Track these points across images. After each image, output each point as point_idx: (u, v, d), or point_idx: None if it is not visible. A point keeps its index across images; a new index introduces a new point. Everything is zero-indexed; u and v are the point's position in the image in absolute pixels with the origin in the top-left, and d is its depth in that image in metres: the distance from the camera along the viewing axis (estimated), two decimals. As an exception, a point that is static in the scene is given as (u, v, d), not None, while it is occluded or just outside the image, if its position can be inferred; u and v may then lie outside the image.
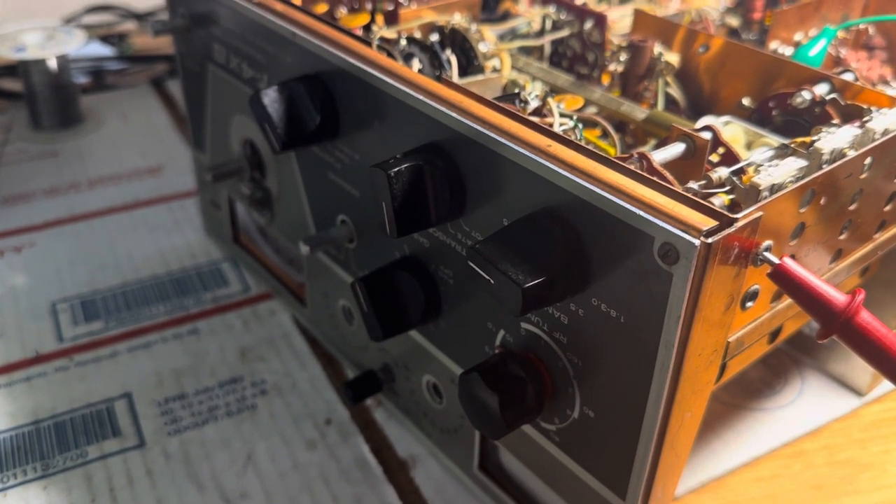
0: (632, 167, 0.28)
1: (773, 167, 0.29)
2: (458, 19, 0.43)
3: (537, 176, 0.28)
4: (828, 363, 0.47)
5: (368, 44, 0.37)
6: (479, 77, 0.41)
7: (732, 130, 0.35)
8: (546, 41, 0.45)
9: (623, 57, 0.40)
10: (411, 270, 0.36)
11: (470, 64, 0.42)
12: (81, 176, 0.65)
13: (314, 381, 0.46)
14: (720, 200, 0.30)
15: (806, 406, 0.45)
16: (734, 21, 0.53)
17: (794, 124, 0.36)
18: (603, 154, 0.28)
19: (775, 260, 0.26)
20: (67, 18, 0.94)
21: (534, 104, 0.34)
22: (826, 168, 0.28)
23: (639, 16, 0.43)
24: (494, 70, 0.42)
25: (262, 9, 0.41)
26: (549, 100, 0.34)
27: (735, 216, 0.25)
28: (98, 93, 0.79)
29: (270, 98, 0.37)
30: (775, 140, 0.35)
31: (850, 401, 0.46)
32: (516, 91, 0.35)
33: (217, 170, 0.46)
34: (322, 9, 0.45)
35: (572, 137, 0.32)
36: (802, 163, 0.29)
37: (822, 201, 0.29)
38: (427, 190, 0.31)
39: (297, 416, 0.43)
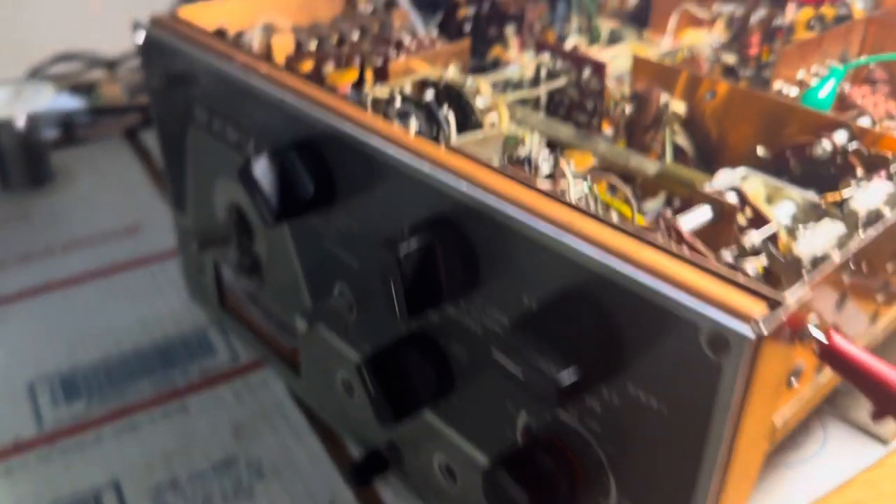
0: (659, 238, 0.26)
1: (809, 233, 0.27)
2: (451, 73, 0.41)
3: (561, 255, 0.26)
4: (849, 411, 0.46)
5: (363, 107, 0.35)
6: (479, 134, 0.39)
7: (752, 184, 0.33)
8: (542, 91, 0.43)
9: (627, 107, 0.39)
10: (421, 348, 0.33)
11: (467, 119, 0.40)
12: (55, 239, 0.62)
13: (314, 458, 0.43)
14: (753, 268, 0.28)
15: (830, 458, 0.43)
16: (730, 58, 0.52)
17: (813, 175, 0.35)
18: (629, 226, 0.26)
19: (824, 339, 0.24)
20: (34, 69, 0.91)
21: (545, 168, 0.32)
22: (869, 235, 0.26)
23: (638, 62, 0.42)
24: (492, 125, 0.40)
25: (247, 71, 0.38)
26: (562, 162, 0.32)
27: (782, 297, 0.23)
28: (68, 148, 0.76)
29: (261, 169, 0.34)
30: (797, 194, 0.33)
31: (876, 450, 0.44)
32: (525, 156, 0.33)
33: (202, 238, 0.44)
34: (308, 66, 0.43)
35: (591, 205, 0.30)
36: (840, 227, 0.27)
37: (862, 267, 0.27)
38: (439, 268, 0.29)
39: (297, 500, 0.41)
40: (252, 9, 0.50)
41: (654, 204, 0.36)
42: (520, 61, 0.47)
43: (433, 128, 0.39)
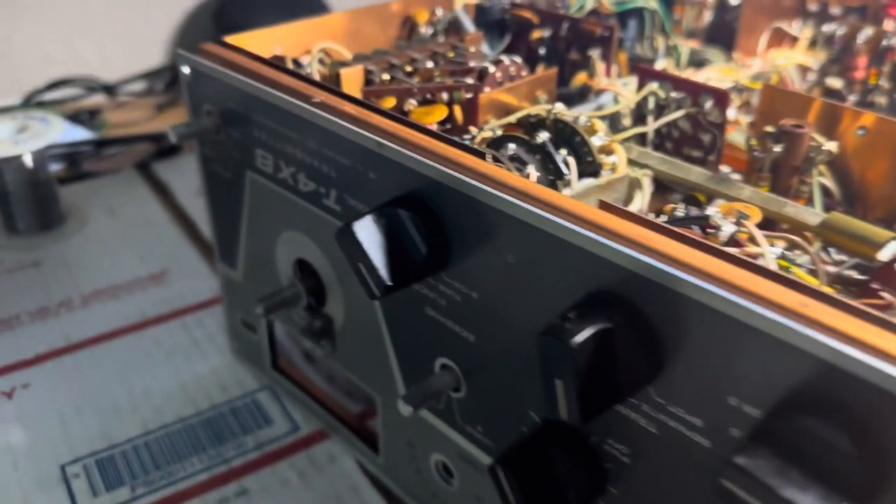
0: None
1: None
2: (560, 108, 0.35)
3: (794, 348, 0.21)
4: None
5: (481, 155, 0.29)
6: (602, 179, 0.33)
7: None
8: (658, 125, 0.38)
9: (776, 146, 0.33)
10: (567, 445, 0.28)
11: (581, 161, 0.34)
12: (72, 290, 0.56)
13: (405, 552, 0.37)
14: None
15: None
16: (835, 82, 0.47)
17: None
18: (876, 313, 0.20)
19: None
20: (29, 95, 0.85)
21: (727, 228, 0.27)
22: None
23: (768, 92, 0.37)
24: (612, 167, 0.35)
25: (330, 111, 0.33)
26: (748, 224, 0.27)
27: None
28: (75, 183, 0.70)
29: (366, 231, 0.29)
30: None
31: None
32: (703, 214, 0.28)
33: (269, 300, 0.38)
34: (389, 102, 0.37)
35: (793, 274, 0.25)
36: None
37: None
38: (619, 359, 0.24)
39: None
40: (302, 35, 0.44)
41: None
42: (614, 89, 0.42)
43: (549, 173, 0.33)
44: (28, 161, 0.59)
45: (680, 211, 0.29)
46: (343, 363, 0.40)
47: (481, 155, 0.29)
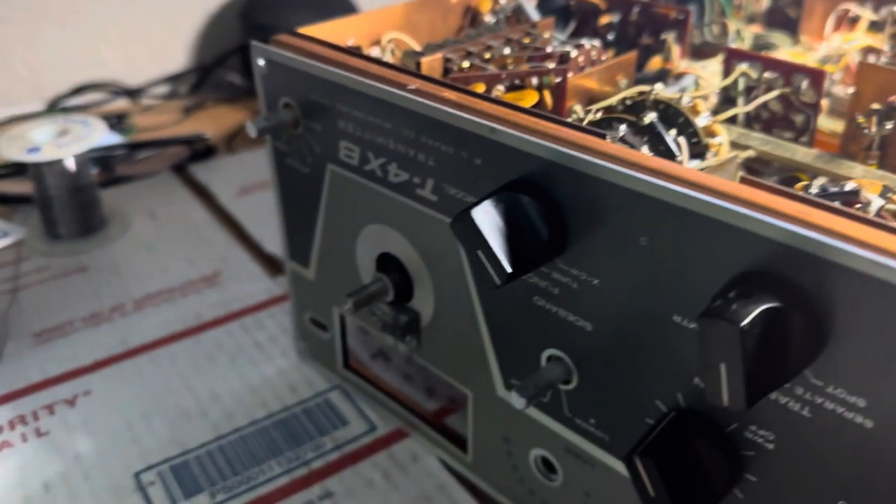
0: None
1: None
2: (660, 89, 0.35)
3: None
4: None
5: (601, 135, 0.28)
6: (712, 161, 0.32)
7: None
8: (754, 106, 0.37)
9: (888, 123, 0.33)
10: (701, 433, 0.27)
11: (688, 141, 0.33)
12: (123, 295, 0.54)
13: (504, 551, 0.36)
14: None
15: None
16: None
17: None
18: None
19: None
20: (53, 100, 0.83)
21: (876, 203, 0.26)
22: None
23: (864, 69, 0.36)
24: (718, 148, 0.34)
25: (430, 98, 0.32)
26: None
27: None
28: (112, 187, 0.68)
29: (485, 217, 0.28)
30: None
31: None
32: (845, 189, 0.27)
33: (357, 295, 0.37)
34: (479, 90, 0.36)
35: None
36: None
37: None
38: (785, 340, 0.23)
39: None
40: (365, 27, 0.43)
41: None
42: (695, 71, 0.41)
43: (657, 154, 0.32)
44: (70, 165, 0.58)
45: (814, 188, 0.28)
46: (429, 359, 0.39)
47: (602, 135, 0.28)
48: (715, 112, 0.38)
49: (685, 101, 0.33)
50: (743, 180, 0.25)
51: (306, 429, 0.43)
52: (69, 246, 0.60)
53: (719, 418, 0.27)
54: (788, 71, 0.37)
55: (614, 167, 0.26)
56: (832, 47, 0.48)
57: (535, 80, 0.36)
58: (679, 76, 0.42)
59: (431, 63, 0.39)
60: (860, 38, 0.48)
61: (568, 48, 0.39)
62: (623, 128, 0.32)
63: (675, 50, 0.44)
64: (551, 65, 0.39)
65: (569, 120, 0.34)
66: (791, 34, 0.50)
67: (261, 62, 0.39)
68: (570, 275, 0.29)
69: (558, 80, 0.36)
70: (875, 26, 0.50)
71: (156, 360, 0.49)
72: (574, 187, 0.28)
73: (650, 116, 0.32)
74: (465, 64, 0.39)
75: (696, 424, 0.27)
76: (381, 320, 0.39)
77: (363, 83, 0.34)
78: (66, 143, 0.57)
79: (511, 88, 0.37)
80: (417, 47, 0.43)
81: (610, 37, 0.46)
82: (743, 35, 0.50)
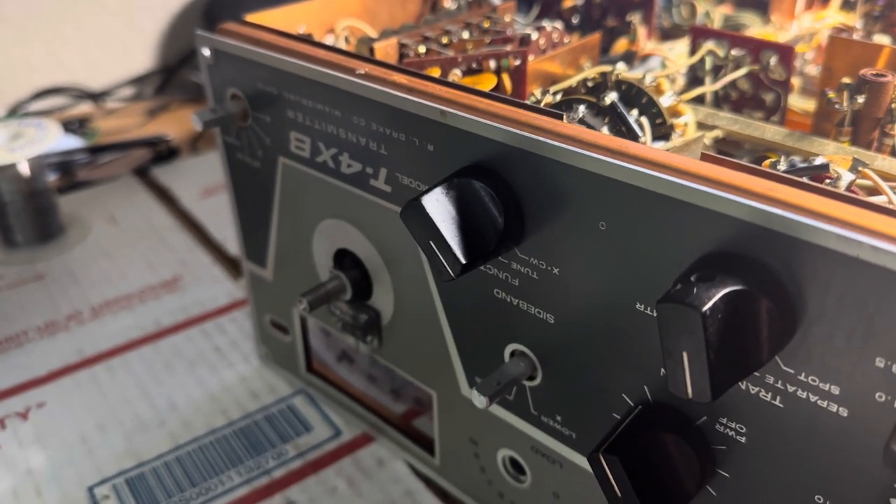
0: None
1: None
2: (622, 69, 0.33)
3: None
4: None
5: (558, 116, 0.27)
6: (677, 141, 0.31)
7: None
8: (721, 84, 0.36)
9: (860, 97, 0.31)
10: (670, 427, 0.25)
11: (652, 122, 0.32)
12: (81, 302, 0.52)
13: (474, 558, 0.35)
14: None
15: None
16: (883, 39, 0.45)
17: None
18: None
19: None
20: (13, 106, 0.81)
21: (846, 177, 0.25)
22: None
23: (835, 43, 0.35)
24: (683, 128, 0.32)
25: (380, 83, 0.30)
26: (867, 171, 0.24)
27: None
28: (73, 192, 0.66)
29: (436, 205, 0.26)
30: None
31: None
32: (814, 163, 0.25)
33: (312, 294, 0.35)
34: (434, 73, 0.34)
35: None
36: None
37: None
38: (752, 325, 0.21)
39: None
40: (320, 14, 0.42)
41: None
42: (660, 52, 0.39)
43: (621, 136, 0.31)
44: (24, 169, 0.56)
45: (782, 164, 0.26)
46: (391, 359, 0.37)
47: (559, 116, 0.27)
48: (682, 92, 0.37)
49: (648, 80, 0.32)
50: (705, 157, 0.24)
51: (268, 436, 0.41)
52: (26, 254, 0.57)
53: (688, 411, 0.25)
54: (756, 48, 0.35)
55: (570, 148, 0.25)
56: (804, 27, 0.47)
57: (492, 64, 0.35)
58: (645, 58, 0.40)
59: (386, 49, 0.37)
60: (832, 16, 0.47)
61: (528, 31, 0.38)
62: (582, 108, 0.30)
63: (641, 31, 0.42)
64: (511, 48, 0.37)
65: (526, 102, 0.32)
66: (762, 14, 0.49)
67: (206, 52, 0.37)
68: (529, 264, 0.28)
69: (517, 62, 0.35)
70: (847, 5, 0.49)
71: (112, 369, 0.47)
72: (530, 171, 0.26)
73: (611, 96, 0.30)
74: (422, 49, 0.37)
75: (664, 418, 0.26)
76: (340, 320, 0.38)
77: (311, 69, 0.32)
78: (19, 147, 0.55)
79: (468, 73, 0.35)
80: (374, 34, 0.41)
81: (574, 20, 0.45)
82: (712, 16, 0.49)
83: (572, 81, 0.33)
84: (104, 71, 0.87)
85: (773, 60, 0.35)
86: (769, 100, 0.36)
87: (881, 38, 0.45)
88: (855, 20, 0.46)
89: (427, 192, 0.26)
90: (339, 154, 0.33)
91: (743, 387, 0.23)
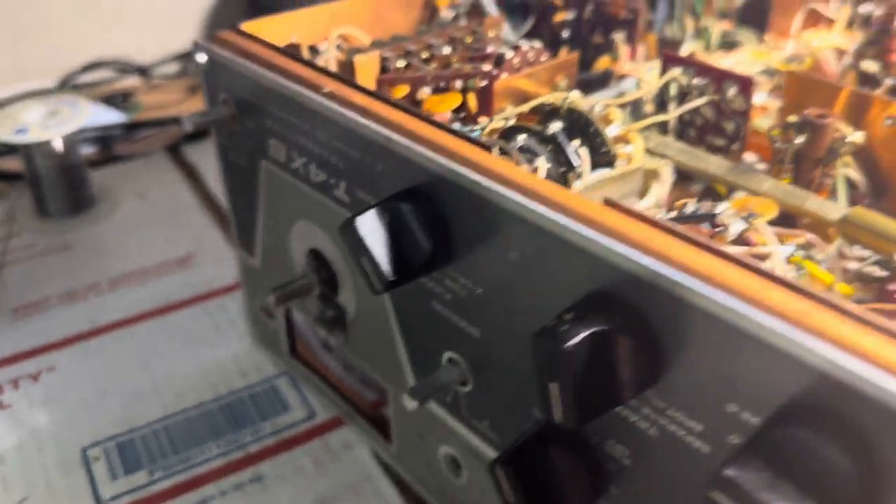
0: None
1: None
2: (575, 96, 0.35)
3: (792, 356, 0.20)
4: None
5: (486, 148, 0.28)
6: (615, 171, 0.32)
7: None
8: (677, 113, 0.37)
9: (800, 137, 0.32)
10: (566, 444, 0.27)
11: (596, 151, 0.33)
12: (100, 274, 0.57)
13: (415, 543, 0.37)
14: None
15: None
16: (871, 65, 0.45)
17: None
18: (882, 321, 0.20)
19: None
20: (63, 78, 0.86)
21: (736, 227, 0.26)
22: None
23: (791, 79, 0.35)
24: (627, 158, 0.34)
25: (339, 103, 0.32)
26: (758, 224, 0.26)
27: None
28: (108, 166, 0.70)
29: (369, 225, 0.28)
30: None
31: None
32: (711, 211, 0.27)
33: (281, 290, 0.38)
34: (402, 91, 0.37)
35: (801, 277, 0.24)
36: None
37: None
38: (616, 363, 0.23)
39: None
40: (322, 20, 0.44)
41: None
42: (637, 74, 0.41)
43: (560, 165, 0.32)
44: (58, 145, 0.60)
45: (690, 207, 0.28)
46: (354, 353, 0.40)
47: (487, 148, 0.28)
48: (647, 117, 0.38)
49: (598, 109, 0.34)
50: (606, 202, 0.25)
51: (249, 413, 0.45)
52: (57, 224, 0.62)
53: (584, 430, 0.27)
54: (719, 77, 0.36)
55: (485, 182, 0.27)
56: (804, 46, 0.47)
57: (458, 84, 0.36)
58: (621, 78, 0.41)
59: (367, 62, 0.39)
60: (826, 37, 0.47)
61: (504, 50, 0.39)
62: (523, 137, 0.32)
63: (624, 50, 0.43)
64: (487, 66, 0.39)
65: (476, 127, 0.34)
66: (761, 32, 0.49)
67: (202, 59, 0.40)
68: (458, 282, 0.30)
69: (483, 83, 0.37)
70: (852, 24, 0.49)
71: (120, 339, 0.51)
72: (457, 199, 0.28)
73: (554, 126, 0.32)
74: (401, 64, 0.40)
75: (561, 436, 0.28)
76: (312, 313, 0.40)
77: (282, 85, 0.35)
78: (53, 125, 0.59)
79: (438, 91, 0.37)
80: (368, 42, 0.43)
81: (565, 34, 0.46)
82: (711, 32, 0.50)
83: (526, 107, 0.35)
84: (152, 46, 0.91)
85: (732, 91, 0.36)
86: (730, 129, 0.37)
87: (869, 65, 0.45)
88: (855, 42, 0.46)
89: (362, 212, 0.28)
90: (308, 163, 0.36)
91: (623, 414, 0.25)
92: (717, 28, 0.50)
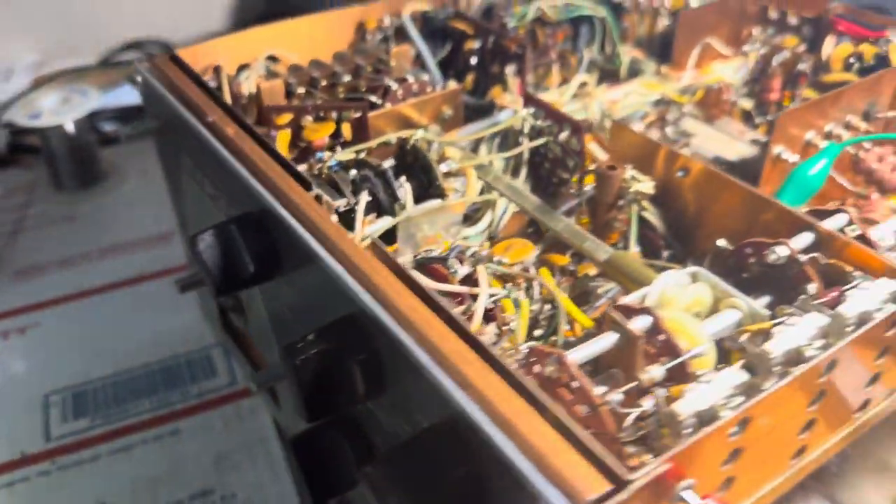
0: (550, 369, 0.25)
1: (706, 384, 0.25)
2: (421, 134, 0.40)
3: (434, 387, 0.25)
4: (835, 490, 0.43)
5: (308, 184, 0.35)
6: (435, 203, 0.38)
7: (697, 291, 0.31)
8: (523, 149, 0.42)
9: (588, 185, 0.37)
10: (347, 432, 0.34)
11: (431, 185, 0.39)
12: (94, 244, 0.66)
13: (284, 499, 0.45)
14: (651, 403, 0.26)
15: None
16: (746, 103, 0.48)
17: (770, 277, 0.32)
18: (524, 380, 0.25)
19: (695, 505, 0.23)
20: (105, 56, 0.95)
21: (463, 271, 0.31)
22: (762, 395, 0.25)
23: (616, 129, 0.40)
24: (456, 191, 0.39)
25: (210, 131, 0.39)
26: (479, 269, 0.31)
27: (631, 478, 0.22)
28: (127, 144, 0.79)
29: (206, 244, 0.35)
30: (743, 302, 0.31)
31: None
32: (445, 254, 0.32)
33: (185, 280, 0.45)
34: (286, 119, 0.43)
35: (505, 306, 0.30)
36: (742, 377, 0.25)
37: (761, 422, 0.25)
38: (341, 376, 0.29)
39: (261, 541, 0.42)
40: (260, 41, 0.50)
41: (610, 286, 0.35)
42: (515, 107, 0.45)
43: (388, 196, 0.38)
44: (70, 128, 0.69)
45: (435, 251, 0.33)
46: (253, 336, 0.47)
47: (307, 185, 0.34)
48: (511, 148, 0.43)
49: (435, 147, 0.39)
50: (371, 246, 0.31)
51: (183, 376, 0.53)
52: (69, 197, 0.71)
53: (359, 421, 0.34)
54: (560, 120, 0.41)
55: (282, 215, 0.33)
56: (702, 81, 0.51)
57: (333, 115, 0.42)
58: (502, 108, 0.46)
59: (272, 88, 0.46)
60: (712, 72, 0.51)
61: (390, 82, 0.45)
62: (353, 172, 0.38)
63: (514, 83, 0.48)
64: (374, 97, 0.45)
65: (332, 158, 0.40)
66: (664, 63, 0.53)
67: (139, 79, 0.47)
68: (284, 293, 0.37)
69: (357, 115, 0.42)
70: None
71: (97, 304, 0.59)
72: (276, 223, 0.35)
73: (387, 163, 0.38)
74: (301, 90, 0.46)
75: (343, 425, 0.34)
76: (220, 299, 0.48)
77: (181, 112, 0.41)
78: (64, 112, 0.68)
79: (318, 119, 0.43)
80: (301, 62, 0.49)
81: (473, 61, 0.51)
82: (622, 60, 0.54)
83: (372, 143, 0.40)
84: (186, 26, 0.99)
85: (564, 134, 0.40)
86: (571, 164, 0.41)
87: (745, 103, 0.48)
88: (735, 79, 0.50)
89: (203, 231, 0.35)
90: (203, 177, 0.43)
91: (373, 411, 0.32)
92: (629, 55, 0.54)
